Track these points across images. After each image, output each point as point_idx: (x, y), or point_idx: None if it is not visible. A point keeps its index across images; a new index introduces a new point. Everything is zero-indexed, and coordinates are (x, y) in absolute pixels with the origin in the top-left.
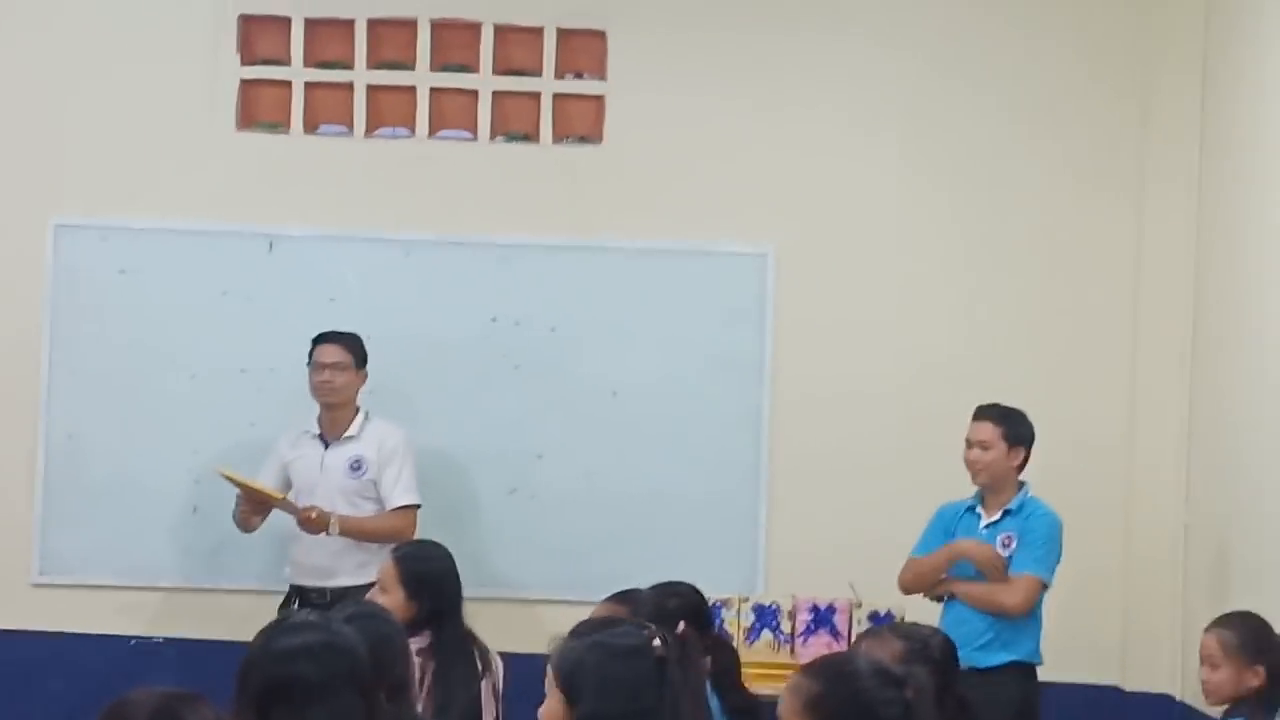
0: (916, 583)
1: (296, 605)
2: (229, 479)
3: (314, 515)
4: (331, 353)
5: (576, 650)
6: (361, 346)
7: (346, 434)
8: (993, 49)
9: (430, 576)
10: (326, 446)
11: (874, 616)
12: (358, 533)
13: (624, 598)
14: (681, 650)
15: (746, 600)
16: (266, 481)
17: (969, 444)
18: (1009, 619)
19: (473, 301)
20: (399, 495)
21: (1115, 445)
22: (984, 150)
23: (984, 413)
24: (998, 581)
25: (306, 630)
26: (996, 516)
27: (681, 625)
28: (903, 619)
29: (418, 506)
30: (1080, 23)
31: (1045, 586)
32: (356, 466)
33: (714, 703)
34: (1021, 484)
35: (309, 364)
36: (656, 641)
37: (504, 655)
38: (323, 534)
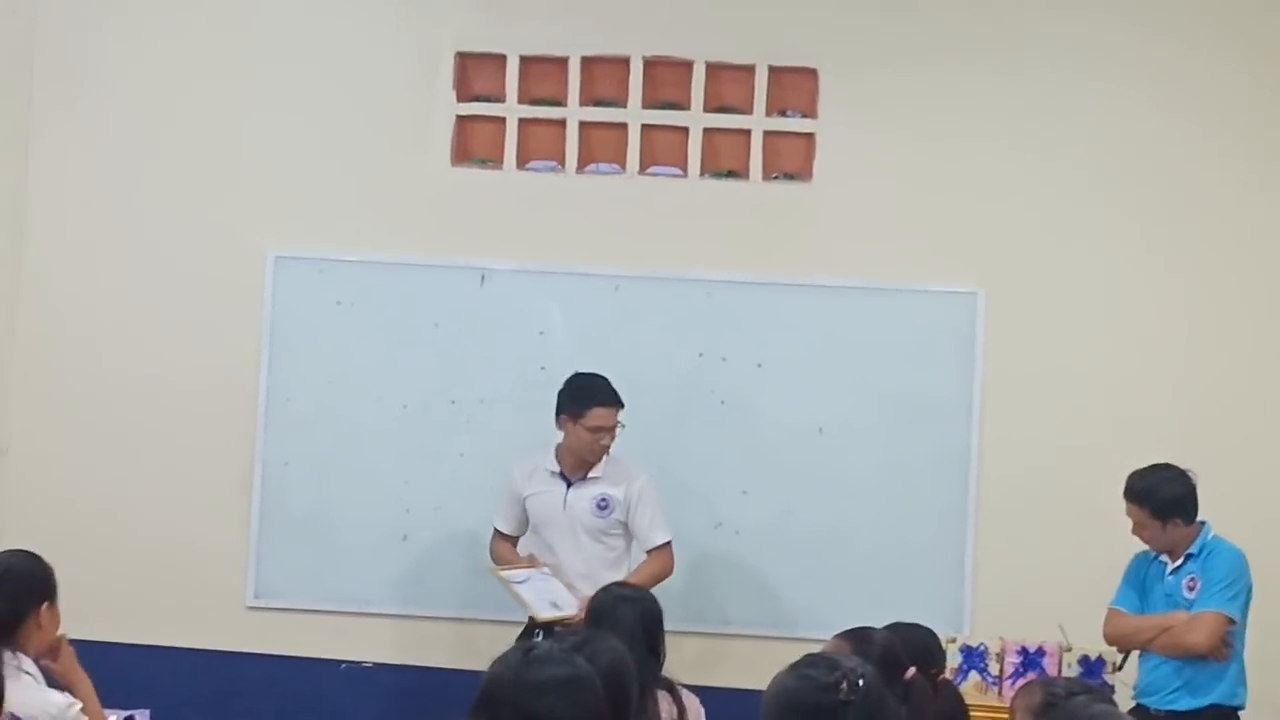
0: (1121, 641)
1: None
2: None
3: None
4: (613, 416)
5: (772, 685)
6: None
7: (591, 474)
8: (1204, 86)
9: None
10: (569, 485)
11: (1084, 660)
12: None
13: (853, 634)
14: (906, 694)
15: (954, 641)
16: (508, 517)
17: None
18: (1199, 662)
19: (680, 337)
20: (655, 535)
21: None
22: (1192, 190)
23: (1127, 493)
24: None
25: (554, 664)
26: (1180, 562)
27: (911, 670)
28: (1114, 665)
29: (669, 541)
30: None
31: (1231, 621)
32: (603, 505)
33: None
34: (1202, 524)
35: (575, 416)
36: (844, 684)
37: (706, 689)
38: None
